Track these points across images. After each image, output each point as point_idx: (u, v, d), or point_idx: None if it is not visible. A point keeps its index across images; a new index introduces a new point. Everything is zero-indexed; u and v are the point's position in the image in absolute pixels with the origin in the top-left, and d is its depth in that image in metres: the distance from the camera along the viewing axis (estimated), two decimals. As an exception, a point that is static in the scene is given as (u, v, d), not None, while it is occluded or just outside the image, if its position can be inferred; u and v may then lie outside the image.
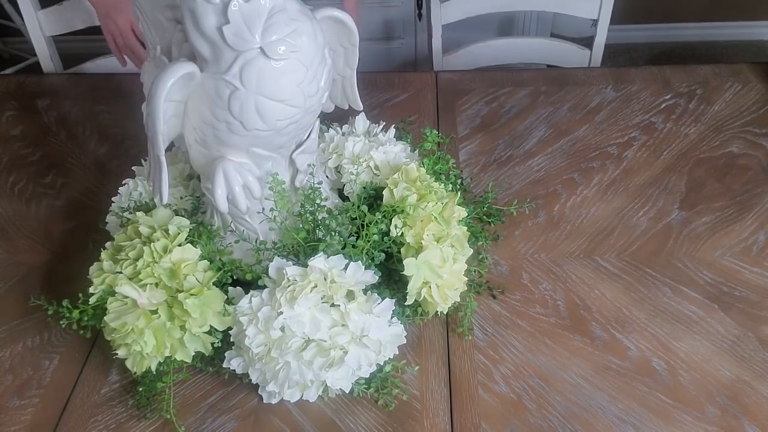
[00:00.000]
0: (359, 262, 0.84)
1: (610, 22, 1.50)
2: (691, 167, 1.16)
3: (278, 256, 0.87)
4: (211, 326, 0.84)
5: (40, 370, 0.92)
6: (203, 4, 0.71)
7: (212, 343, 0.85)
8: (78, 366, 0.92)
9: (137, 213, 0.89)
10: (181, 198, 0.96)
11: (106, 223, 1.00)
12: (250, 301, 0.83)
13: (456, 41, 1.57)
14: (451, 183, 1.00)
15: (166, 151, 0.79)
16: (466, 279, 0.91)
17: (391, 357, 0.85)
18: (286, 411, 0.86)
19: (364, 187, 0.95)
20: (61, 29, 1.53)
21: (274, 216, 0.87)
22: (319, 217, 0.88)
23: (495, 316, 0.95)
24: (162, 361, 0.84)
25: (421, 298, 0.88)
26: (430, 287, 0.86)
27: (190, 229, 0.88)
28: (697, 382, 0.87)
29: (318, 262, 0.82)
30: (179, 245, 0.84)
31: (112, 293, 0.83)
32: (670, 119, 1.25)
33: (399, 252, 0.89)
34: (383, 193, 0.93)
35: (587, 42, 1.55)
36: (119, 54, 1.31)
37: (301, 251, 0.88)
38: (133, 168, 1.03)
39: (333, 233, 0.86)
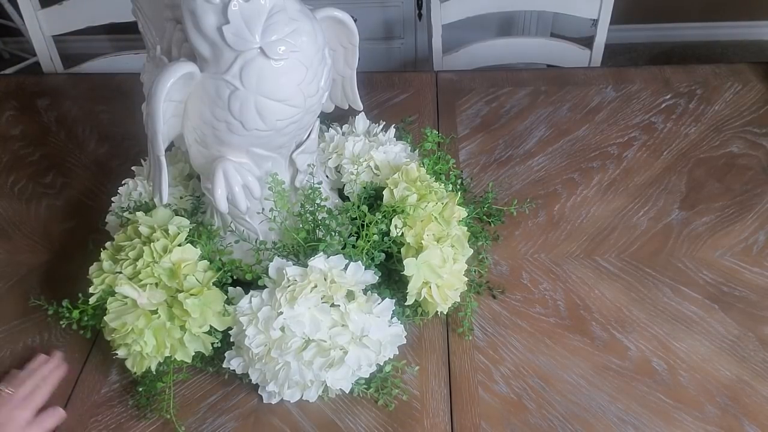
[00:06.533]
0: (359, 262, 0.84)
1: (610, 22, 1.50)
2: (691, 167, 1.16)
3: (278, 256, 0.87)
4: (211, 326, 0.84)
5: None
6: (203, 4, 0.71)
7: (212, 343, 0.85)
8: (78, 366, 0.92)
9: (137, 213, 0.89)
10: (181, 198, 0.96)
11: (106, 223, 1.00)
12: (250, 301, 0.83)
13: (456, 41, 1.57)
14: (451, 183, 1.00)
15: (166, 151, 0.79)
16: (466, 279, 0.91)
17: (391, 357, 0.85)
18: (286, 411, 0.86)
19: (364, 187, 0.95)
20: (61, 29, 1.53)
21: (274, 216, 0.87)
22: (319, 217, 0.88)
23: (495, 316, 0.95)
24: (162, 361, 0.84)
25: (421, 298, 0.88)
26: (430, 287, 0.86)
27: (190, 229, 0.88)
28: (697, 382, 0.87)
29: (318, 262, 0.82)
30: (179, 245, 0.84)
31: (112, 293, 0.83)
32: (670, 119, 1.25)
33: (399, 252, 0.89)
34: (383, 193, 0.93)
35: (587, 42, 1.55)
36: None
37: (301, 251, 0.88)
38: (133, 168, 1.03)
39: (333, 233, 0.86)
